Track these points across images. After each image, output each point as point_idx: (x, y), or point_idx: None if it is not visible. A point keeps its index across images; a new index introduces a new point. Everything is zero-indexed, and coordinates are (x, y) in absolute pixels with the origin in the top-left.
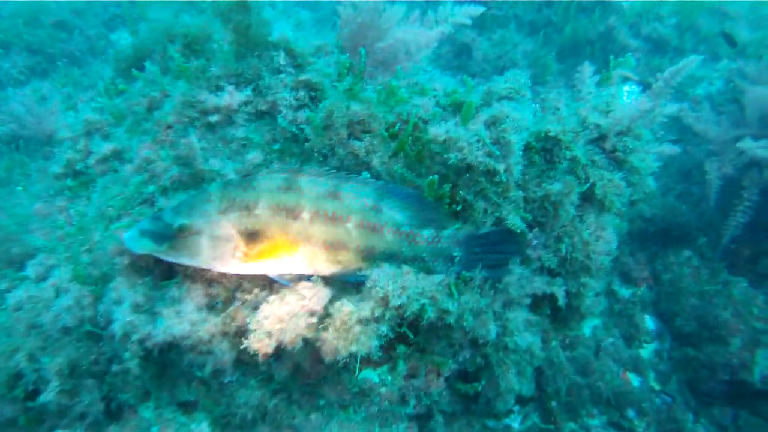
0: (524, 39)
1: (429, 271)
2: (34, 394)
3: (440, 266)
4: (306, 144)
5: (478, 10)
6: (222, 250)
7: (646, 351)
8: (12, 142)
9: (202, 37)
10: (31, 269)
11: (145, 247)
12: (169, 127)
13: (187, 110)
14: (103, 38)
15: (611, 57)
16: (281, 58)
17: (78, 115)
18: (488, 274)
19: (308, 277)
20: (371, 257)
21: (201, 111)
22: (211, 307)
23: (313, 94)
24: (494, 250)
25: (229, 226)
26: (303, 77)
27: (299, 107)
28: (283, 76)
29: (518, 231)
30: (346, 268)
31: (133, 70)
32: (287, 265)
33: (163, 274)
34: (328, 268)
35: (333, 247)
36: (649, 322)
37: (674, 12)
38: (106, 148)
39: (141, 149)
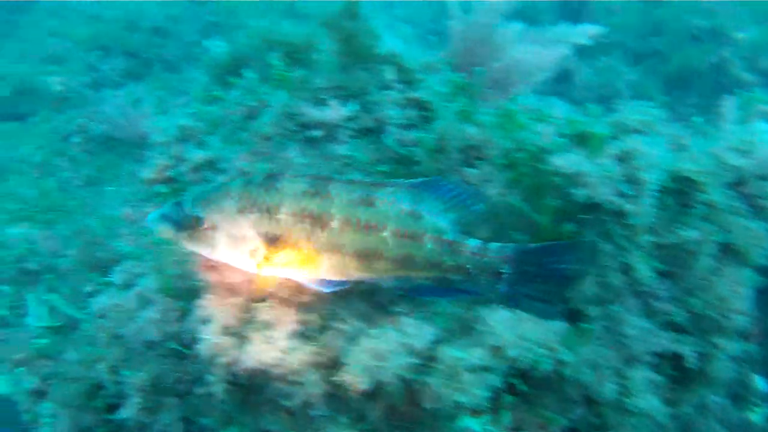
0: (629, 68)
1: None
2: (113, 407)
3: (485, 282)
4: (415, 167)
5: (596, 29)
6: (240, 250)
7: (757, 415)
8: (105, 143)
9: (304, 46)
10: (117, 275)
11: (166, 232)
12: (267, 138)
13: (286, 122)
14: (197, 45)
15: (735, 91)
16: (390, 73)
17: (171, 120)
18: (545, 297)
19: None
20: (409, 266)
21: (301, 124)
22: (304, 335)
23: (423, 113)
24: (553, 267)
25: (247, 227)
26: (413, 95)
27: (408, 126)
28: (391, 92)
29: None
30: (381, 277)
31: (229, 77)
32: (313, 273)
33: (253, 295)
34: (359, 276)
35: (366, 257)
36: (760, 383)
37: None
38: (200, 156)
39: (236, 160)
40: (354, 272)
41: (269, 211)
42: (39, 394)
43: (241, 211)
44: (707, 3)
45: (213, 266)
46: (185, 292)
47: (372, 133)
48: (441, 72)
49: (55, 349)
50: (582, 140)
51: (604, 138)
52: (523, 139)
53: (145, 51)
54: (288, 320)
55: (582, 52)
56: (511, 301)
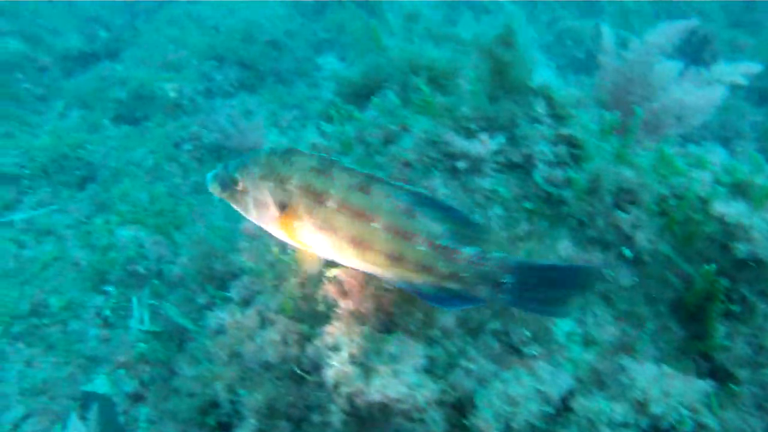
0: (753, 108)
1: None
2: (226, 426)
3: (484, 292)
4: (563, 207)
5: (756, 67)
6: (263, 214)
7: None
8: (215, 151)
9: (449, 72)
10: (235, 291)
11: (215, 190)
12: (407, 164)
13: (429, 150)
14: (309, 61)
15: None
16: (540, 107)
17: (284, 135)
18: (540, 308)
19: None
20: (402, 265)
21: (446, 153)
22: (431, 371)
23: (573, 150)
24: (556, 284)
25: (267, 193)
26: (565, 131)
27: (557, 164)
28: (541, 126)
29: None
30: (379, 271)
31: (372, 97)
32: (320, 250)
33: (380, 325)
34: (358, 265)
35: (359, 244)
36: None
37: None
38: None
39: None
40: (352, 259)
41: (282, 181)
42: (137, 398)
43: (262, 177)
44: None
45: (341, 292)
46: (307, 315)
47: (518, 168)
48: (590, 108)
49: (155, 355)
50: (743, 191)
51: None
52: (679, 185)
53: (259, 63)
54: (415, 354)
55: None
56: (517, 306)
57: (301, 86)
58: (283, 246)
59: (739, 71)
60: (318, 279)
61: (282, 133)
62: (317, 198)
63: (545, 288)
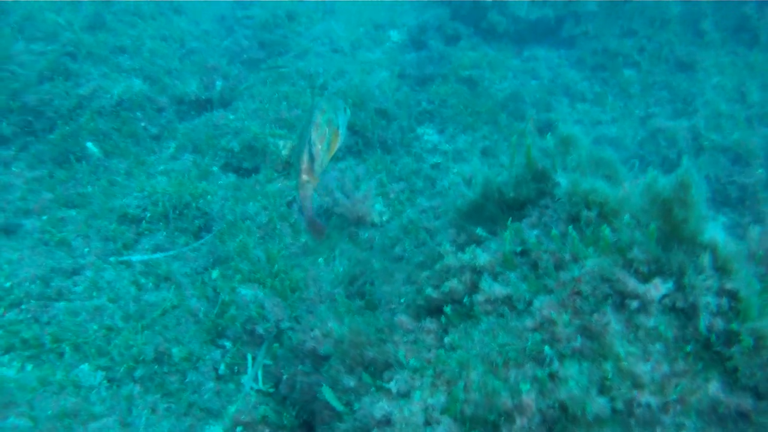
0: None
1: None
2: None
3: None
4: (728, 363)
5: None
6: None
7: None
8: (323, 214)
9: (618, 210)
10: (394, 382)
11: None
12: (578, 293)
13: (601, 284)
14: (411, 131)
15: None
16: (707, 259)
17: (464, 254)
18: None
19: None
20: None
21: (617, 291)
22: None
23: (734, 304)
24: None
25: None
26: (729, 286)
27: (719, 314)
28: (706, 278)
29: None
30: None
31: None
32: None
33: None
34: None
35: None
36: None
37: None
38: (499, 290)
39: (543, 307)
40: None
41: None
42: None
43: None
44: None
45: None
46: (474, 420)
47: (682, 312)
48: (749, 264)
49: (279, 419)
50: None
51: None
52: None
53: (369, 130)
54: None
55: None
56: None
57: (406, 157)
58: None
59: None
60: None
61: (388, 205)
62: (325, 140)
63: None
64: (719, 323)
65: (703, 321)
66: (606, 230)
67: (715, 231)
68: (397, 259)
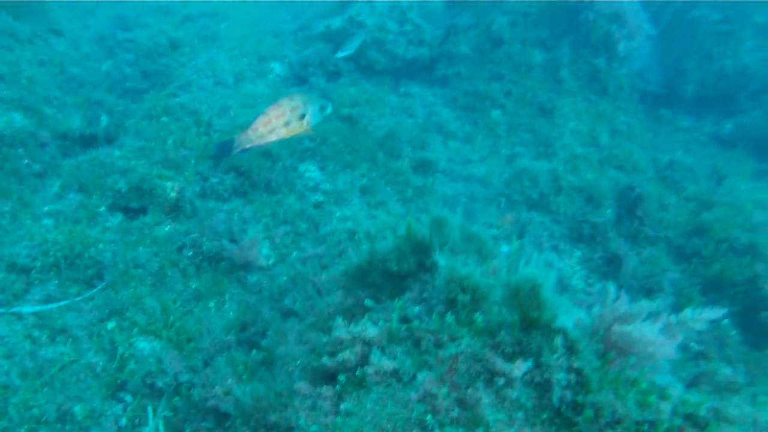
0: (672, 265)
1: None
2: None
3: None
4: (574, 428)
5: (721, 311)
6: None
7: None
8: (212, 258)
9: (487, 295)
10: None
11: None
12: (455, 370)
13: (474, 364)
14: (294, 170)
15: None
16: (559, 341)
17: (355, 326)
18: None
19: None
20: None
21: (487, 369)
22: None
23: (579, 379)
24: None
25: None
26: (576, 364)
27: (568, 387)
28: (559, 357)
29: None
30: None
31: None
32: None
33: None
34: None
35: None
36: None
37: None
38: (387, 364)
39: (425, 382)
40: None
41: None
42: None
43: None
44: (749, 218)
45: None
46: None
47: (539, 385)
48: (592, 341)
49: None
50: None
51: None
52: (650, 416)
53: (255, 172)
54: None
55: (633, 239)
56: None
57: (290, 196)
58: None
59: (703, 318)
60: None
61: (274, 248)
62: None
63: None
64: (568, 395)
65: (556, 394)
66: (478, 317)
67: (566, 319)
68: (287, 312)
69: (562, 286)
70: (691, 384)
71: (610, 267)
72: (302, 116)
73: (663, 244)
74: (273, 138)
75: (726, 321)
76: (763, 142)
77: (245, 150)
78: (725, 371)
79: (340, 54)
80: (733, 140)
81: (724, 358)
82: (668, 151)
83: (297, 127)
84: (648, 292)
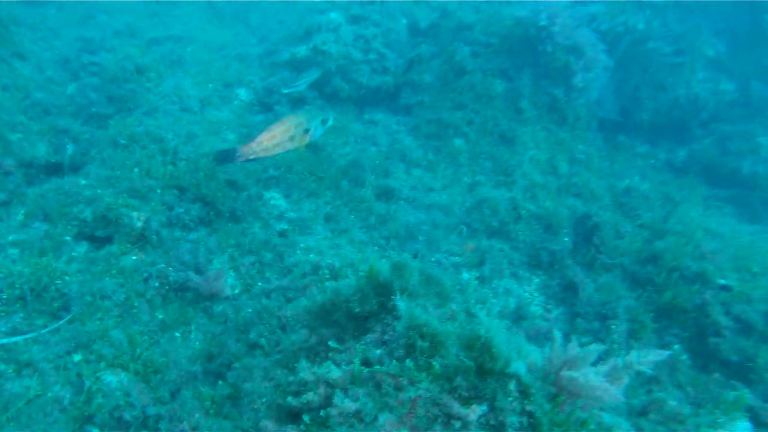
0: (627, 292)
1: None
2: None
3: None
4: None
5: (664, 354)
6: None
7: None
8: (179, 290)
9: (444, 342)
10: None
11: None
12: (414, 413)
13: (432, 407)
14: (259, 198)
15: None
16: (513, 386)
17: (319, 368)
18: None
19: None
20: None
21: (444, 413)
22: None
23: (532, 421)
24: None
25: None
26: (528, 408)
27: (521, 430)
28: (512, 401)
29: None
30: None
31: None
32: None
33: None
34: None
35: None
36: None
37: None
38: (350, 405)
39: (386, 424)
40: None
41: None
42: None
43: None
44: (699, 247)
45: None
46: None
47: (494, 428)
48: (545, 384)
49: None
50: None
51: None
52: None
53: (220, 201)
54: None
55: (590, 266)
56: None
57: (255, 224)
58: None
59: (648, 361)
60: None
61: (239, 278)
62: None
63: None
64: None
65: None
66: (436, 364)
67: (519, 365)
68: (253, 345)
69: (520, 314)
70: (642, 413)
71: (567, 293)
72: (306, 131)
73: (618, 271)
74: (278, 151)
75: (677, 346)
76: (714, 170)
77: (248, 160)
78: (672, 403)
79: (286, 90)
80: (685, 167)
81: (675, 383)
82: (626, 176)
83: (301, 141)
84: (603, 318)
